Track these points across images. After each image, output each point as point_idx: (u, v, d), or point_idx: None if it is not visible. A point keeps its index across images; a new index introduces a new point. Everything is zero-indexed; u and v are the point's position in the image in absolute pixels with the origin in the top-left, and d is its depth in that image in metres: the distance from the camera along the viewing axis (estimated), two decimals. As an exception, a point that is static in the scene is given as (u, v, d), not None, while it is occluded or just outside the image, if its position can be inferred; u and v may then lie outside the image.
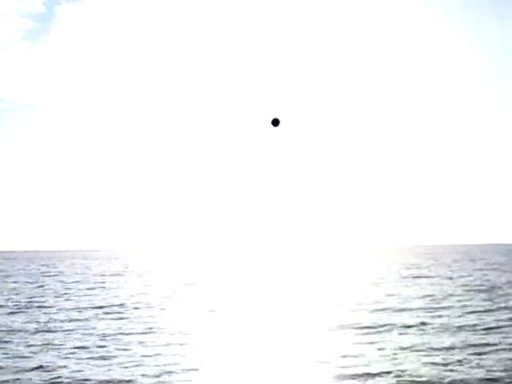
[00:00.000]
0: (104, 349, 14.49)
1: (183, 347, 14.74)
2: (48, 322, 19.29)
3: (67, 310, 22.86)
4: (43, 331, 17.28)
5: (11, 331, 17.26)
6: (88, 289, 34.51)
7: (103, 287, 35.79)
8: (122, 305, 24.85)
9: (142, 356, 13.59)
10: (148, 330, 17.60)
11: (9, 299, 27.62)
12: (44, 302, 26.14)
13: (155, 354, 13.76)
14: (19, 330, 17.44)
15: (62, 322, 19.37)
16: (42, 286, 36.50)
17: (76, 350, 14.26)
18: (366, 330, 17.08)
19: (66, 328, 17.93)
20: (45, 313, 21.78)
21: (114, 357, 13.46)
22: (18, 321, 19.56)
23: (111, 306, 24.59)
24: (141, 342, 15.48)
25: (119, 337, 16.39)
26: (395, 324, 18.17)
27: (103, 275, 52.15)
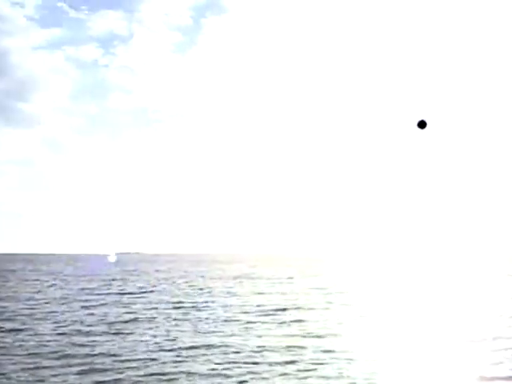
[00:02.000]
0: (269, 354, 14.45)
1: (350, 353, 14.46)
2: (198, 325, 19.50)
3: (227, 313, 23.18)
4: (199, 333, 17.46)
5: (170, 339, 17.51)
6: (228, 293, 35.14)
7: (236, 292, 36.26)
8: (283, 309, 25.16)
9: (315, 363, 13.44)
10: (316, 334, 17.53)
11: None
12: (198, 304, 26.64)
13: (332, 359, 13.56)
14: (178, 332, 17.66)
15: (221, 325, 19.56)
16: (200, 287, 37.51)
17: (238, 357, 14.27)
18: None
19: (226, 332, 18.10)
20: (198, 319, 22.07)
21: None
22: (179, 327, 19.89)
23: (269, 310, 24.93)
24: (311, 347, 15.36)
25: (280, 341, 16.35)
26: None
27: (238, 278, 53.15)
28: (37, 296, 32.83)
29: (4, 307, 26.37)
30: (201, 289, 38.76)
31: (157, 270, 78.67)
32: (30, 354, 14.70)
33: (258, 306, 26.52)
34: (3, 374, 12.40)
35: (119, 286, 43.10)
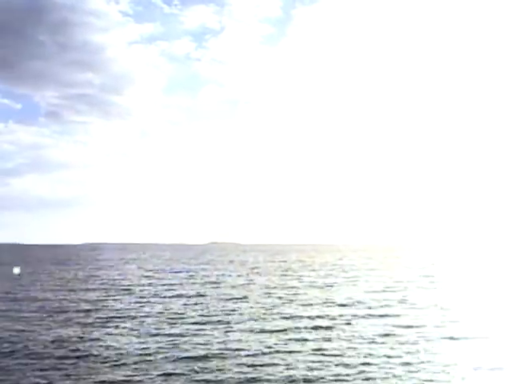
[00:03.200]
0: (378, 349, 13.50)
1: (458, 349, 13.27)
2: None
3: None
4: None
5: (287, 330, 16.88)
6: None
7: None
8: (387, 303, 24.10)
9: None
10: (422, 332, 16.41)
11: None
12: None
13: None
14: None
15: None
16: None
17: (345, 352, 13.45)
18: None
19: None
20: (294, 312, 21.43)
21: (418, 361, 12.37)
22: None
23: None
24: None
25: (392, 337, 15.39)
26: None
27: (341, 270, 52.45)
28: (131, 286, 33.21)
29: (98, 296, 26.66)
30: (295, 279, 38.29)
31: (244, 261, 79.11)
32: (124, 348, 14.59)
33: (348, 298, 25.65)
34: (114, 373, 12.16)
35: (209, 278, 43.28)
